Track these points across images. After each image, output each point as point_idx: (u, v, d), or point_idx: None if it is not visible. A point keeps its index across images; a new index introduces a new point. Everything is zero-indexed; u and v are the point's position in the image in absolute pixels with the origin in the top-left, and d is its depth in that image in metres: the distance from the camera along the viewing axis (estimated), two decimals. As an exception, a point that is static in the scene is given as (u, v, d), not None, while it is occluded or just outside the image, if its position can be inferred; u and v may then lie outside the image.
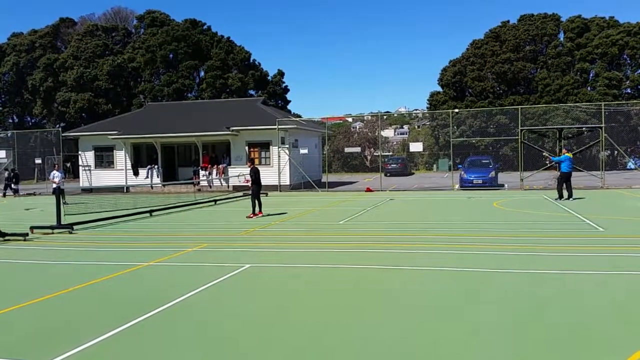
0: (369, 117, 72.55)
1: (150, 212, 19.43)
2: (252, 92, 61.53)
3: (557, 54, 54.32)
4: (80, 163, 35.66)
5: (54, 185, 24.07)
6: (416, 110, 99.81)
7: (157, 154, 33.84)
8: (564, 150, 22.12)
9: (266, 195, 27.59)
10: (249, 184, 18.43)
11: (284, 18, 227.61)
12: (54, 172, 25.63)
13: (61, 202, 20.06)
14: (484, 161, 32.10)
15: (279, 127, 31.17)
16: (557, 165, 21.68)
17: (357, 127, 78.92)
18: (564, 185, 20.94)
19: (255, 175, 18.04)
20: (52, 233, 14.97)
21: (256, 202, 17.93)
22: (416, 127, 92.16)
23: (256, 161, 32.21)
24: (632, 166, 43.64)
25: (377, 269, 9.33)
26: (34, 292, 8.14)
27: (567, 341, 5.57)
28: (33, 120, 65.27)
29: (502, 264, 9.34)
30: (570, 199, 20.74)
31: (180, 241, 13.04)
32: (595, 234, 12.61)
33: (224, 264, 9.90)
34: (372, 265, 9.57)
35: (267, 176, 31.15)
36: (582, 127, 41.56)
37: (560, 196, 20.89)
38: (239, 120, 32.95)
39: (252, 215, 17.68)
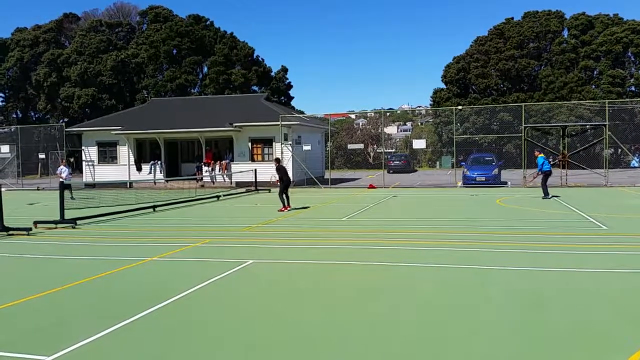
0: (372, 114, 72.48)
1: (154, 207, 19.46)
2: (255, 88, 61.46)
3: (561, 51, 54.15)
4: (83, 158, 35.73)
5: (60, 180, 24.18)
6: (419, 107, 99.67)
7: (160, 149, 33.87)
8: (536, 153, 22.13)
9: (269, 192, 27.61)
10: (278, 182, 19.18)
11: (288, 14, 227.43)
12: (62, 167, 25.75)
13: (64, 197, 20.31)
14: (487, 158, 32.03)
15: (282, 123, 31.16)
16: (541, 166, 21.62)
17: (360, 124, 78.85)
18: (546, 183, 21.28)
19: (281, 172, 19.04)
20: (56, 228, 15.01)
21: (284, 197, 18.70)
22: (419, 124, 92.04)
23: (259, 157, 32.38)
24: (636, 164, 43.57)
25: (379, 265, 9.34)
26: (36, 287, 8.16)
27: (570, 339, 5.57)
28: (37, 116, 65.34)
29: (505, 262, 9.34)
30: (549, 197, 20.89)
31: (183, 237, 13.06)
32: (598, 232, 12.59)
33: (226, 260, 9.91)
34: (375, 262, 9.58)
35: (270, 173, 31.15)
36: (585, 125, 41.47)
37: (547, 193, 21.02)
38: (242, 116, 32.95)
39: (283, 209, 18.44)
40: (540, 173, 21.47)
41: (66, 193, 24.33)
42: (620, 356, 5.04)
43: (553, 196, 21.09)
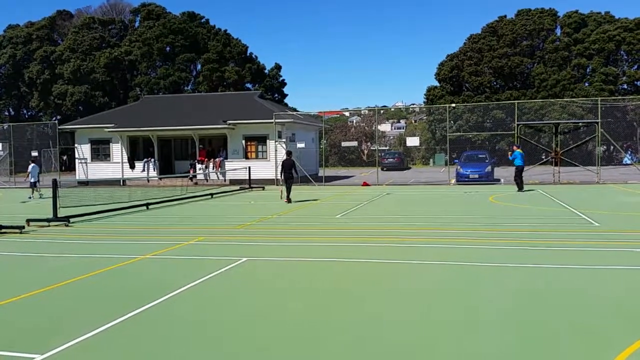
0: (366, 112, 72.52)
1: (147, 205, 19.42)
2: (249, 85, 61.34)
3: (554, 49, 54.30)
4: (76, 156, 35.60)
5: (31, 180, 24.97)
6: (413, 104, 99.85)
7: (153, 147, 33.79)
8: (514, 147, 23.85)
9: (263, 189, 27.62)
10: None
11: (281, 12, 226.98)
12: (33, 165, 25.78)
13: (32, 195, 22.13)
14: (480, 156, 32.15)
15: (276, 121, 31.14)
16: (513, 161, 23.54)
17: (354, 122, 78.92)
18: (521, 178, 23.04)
19: (282, 166, 20.77)
20: (49, 226, 14.95)
21: (285, 188, 20.48)
22: (413, 121, 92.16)
23: (253, 155, 32.40)
24: (628, 161, 43.75)
25: (373, 262, 9.37)
26: (29, 285, 8.14)
27: (563, 335, 5.61)
28: (29, 113, 65.03)
29: (498, 258, 9.38)
30: (521, 191, 22.53)
31: (176, 234, 13.05)
32: (590, 228, 12.67)
33: (220, 257, 9.92)
34: (369, 259, 9.60)
35: (264, 170, 31.18)
36: (578, 122, 41.60)
37: (520, 188, 22.69)
38: (236, 113, 32.90)
39: (285, 200, 20.30)
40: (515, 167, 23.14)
41: (29, 191, 24.80)
42: (612, 352, 5.08)
43: (528, 190, 22.79)
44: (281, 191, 20.81)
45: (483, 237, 11.77)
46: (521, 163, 23.16)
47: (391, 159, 49.65)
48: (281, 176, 20.85)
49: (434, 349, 5.34)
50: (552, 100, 47.53)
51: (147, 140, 34.25)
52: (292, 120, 32.92)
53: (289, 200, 20.25)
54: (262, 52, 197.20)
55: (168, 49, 60.84)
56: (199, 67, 62.19)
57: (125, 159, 34.16)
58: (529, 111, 49.42)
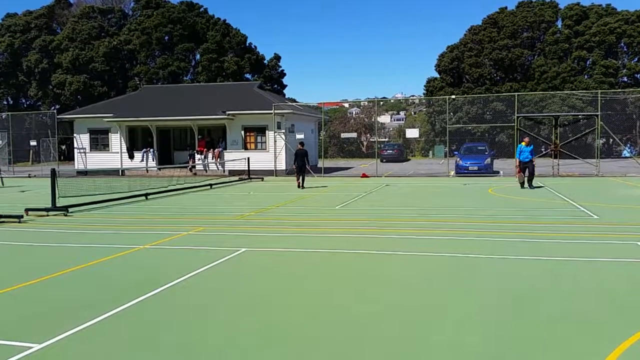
0: (366, 103, 72.35)
1: (146, 195, 19.40)
2: (248, 76, 61.14)
3: (554, 41, 54.14)
4: (75, 146, 35.55)
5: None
6: (413, 96, 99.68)
7: (152, 137, 33.74)
8: (526, 139, 21.37)
9: (262, 180, 27.60)
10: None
11: (281, 2, 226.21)
12: None
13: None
14: (479, 148, 32.15)
15: (276, 111, 31.09)
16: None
17: (354, 113, 78.75)
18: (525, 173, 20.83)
19: (296, 156, 22.59)
20: (47, 215, 14.96)
21: (300, 176, 22.18)
22: (413, 113, 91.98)
23: (252, 145, 32.38)
24: (627, 154, 43.75)
25: (372, 254, 9.37)
26: (27, 275, 8.14)
27: (561, 328, 5.61)
28: (28, 102, 64.77)
29: (496, 250, 9.39)
30: (522, 187, 20.64)
31: (176, 224, 13.05)
32: (589, 221, 12.68)
33: (220, 248, 9.92)
34: (368, 250, 9.61)
35: (263, 161, 31.16)
36: (578, 115, 41.55)
37: (523, 183, 20.72)
38: (235, 104, 32.84)
39: (298, 184, 22.12)
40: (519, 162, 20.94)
41: None
42: (610, 344, 5.09)
43: (526, 187, 20.58)
44: (297, 181, 22.36)
45: (481, 228, 11.77)
46: (523, 158, 20.78)
47: (390, 151, 49.62)
48: (294, 165, 22.49)
49: (430, 340, 5.35)
50: (552, 92, 47.45)
51: (146, 130, 34.18)
52: (291, 111, 32.86)
53: (302, 187, 21.92)
54: (262, 42, 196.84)
55: (167, 38, 60.59)
56: (197, 57, 61.94)
57: (124, 149, 34.11)
58: (528, 103, 49.35)
